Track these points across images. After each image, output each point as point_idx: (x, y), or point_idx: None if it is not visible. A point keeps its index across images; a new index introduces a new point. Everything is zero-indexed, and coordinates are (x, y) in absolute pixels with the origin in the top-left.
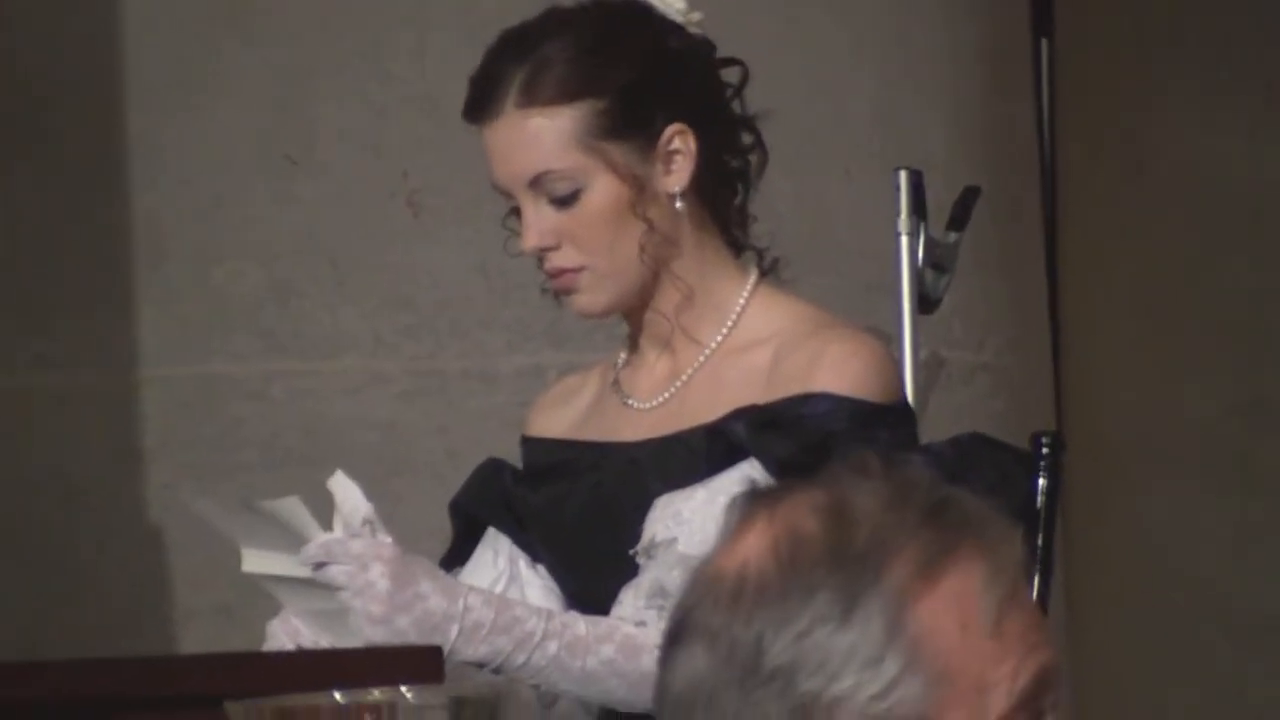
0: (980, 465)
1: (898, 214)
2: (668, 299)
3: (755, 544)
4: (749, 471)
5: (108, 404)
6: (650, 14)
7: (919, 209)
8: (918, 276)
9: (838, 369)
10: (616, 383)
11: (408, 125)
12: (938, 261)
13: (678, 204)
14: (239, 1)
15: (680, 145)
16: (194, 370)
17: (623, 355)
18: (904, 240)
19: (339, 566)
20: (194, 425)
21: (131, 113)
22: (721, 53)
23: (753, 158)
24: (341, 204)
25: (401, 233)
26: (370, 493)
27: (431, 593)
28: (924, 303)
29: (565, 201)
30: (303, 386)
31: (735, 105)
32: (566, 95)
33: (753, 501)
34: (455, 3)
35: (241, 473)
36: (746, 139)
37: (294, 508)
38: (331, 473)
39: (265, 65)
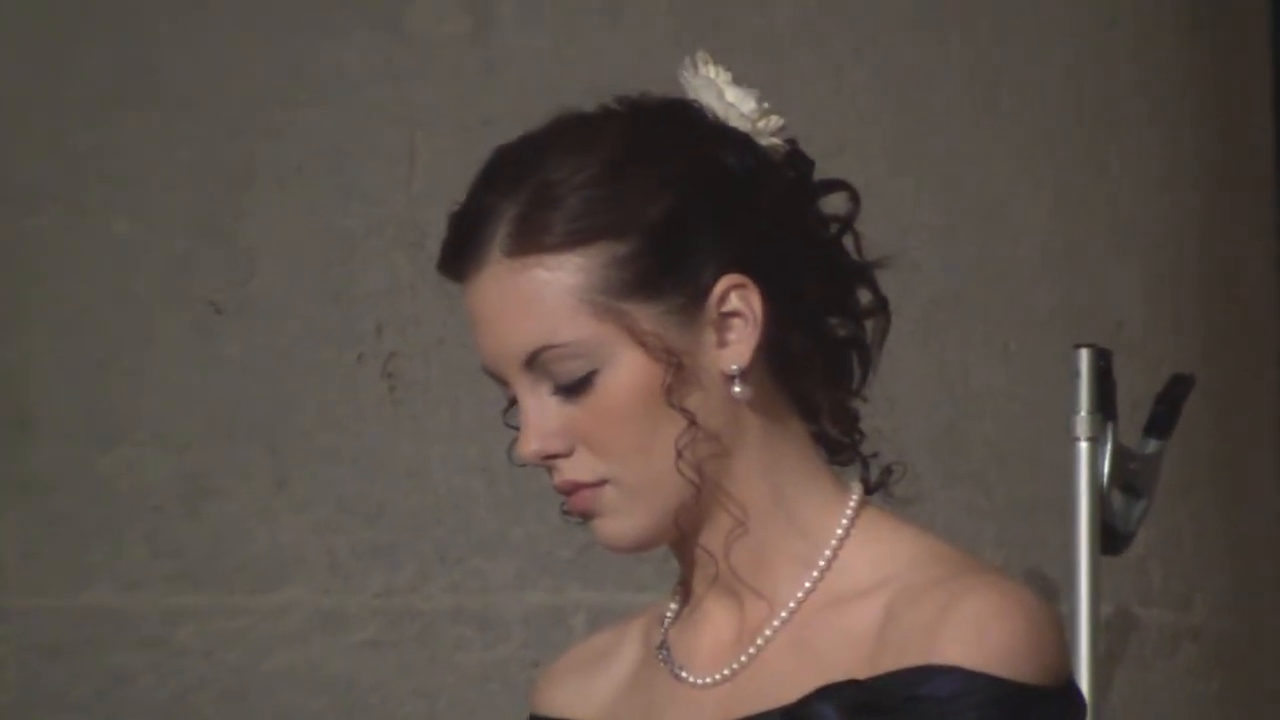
0: None
1: (1075, 410)
2: (719, 529)
3: None
4: None
5: None
6: (700, 120)
7: (1106, 405)
8: (1101, 500)
9: (973, 633)
10: (664, 646)
11: (384, 262)
12: (1130, 481)
13: (736, 388)
14: (150, 67)
15: (739, 304)
16: (67, 602)
17: (673, 605)
18: (1083, 448)
19: None
20: (66, 679)
21: None
22: (828, 171)
23: (870, 323)
24: (287, 369)
25: (372, 413)
26: None
27: None
28: (1110, 538)
29: (575, 389)
30: (224, 629)
31: (843, 247)
32: (575, 237)
33: None
34: (455, 92)
35: None
36: (863, 296)
37: None
38: None
39: (183, 160)
